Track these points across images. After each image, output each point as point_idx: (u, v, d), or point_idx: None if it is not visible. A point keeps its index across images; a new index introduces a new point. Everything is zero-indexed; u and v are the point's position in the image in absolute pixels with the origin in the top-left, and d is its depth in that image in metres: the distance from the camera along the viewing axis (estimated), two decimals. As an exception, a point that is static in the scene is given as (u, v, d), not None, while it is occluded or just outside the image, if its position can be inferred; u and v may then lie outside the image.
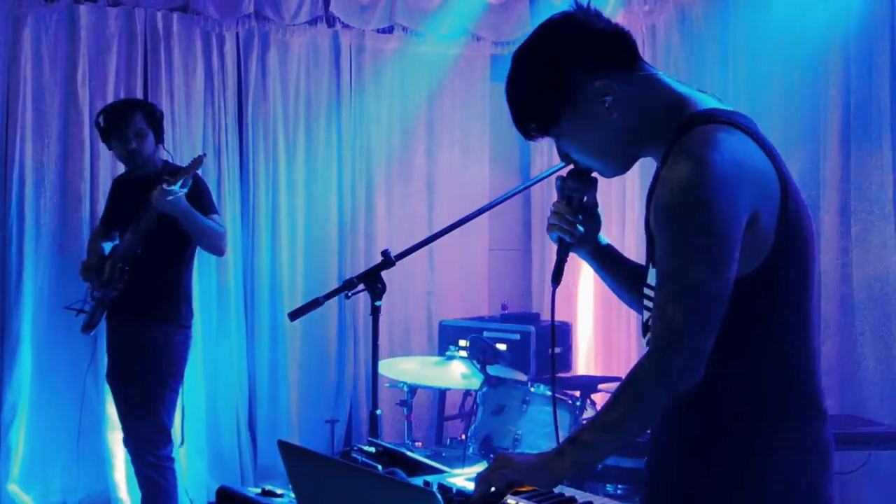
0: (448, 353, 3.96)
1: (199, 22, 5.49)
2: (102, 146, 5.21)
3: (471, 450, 3.44)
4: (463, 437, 3.56)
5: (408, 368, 3.92)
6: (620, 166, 1.90)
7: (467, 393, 4.97)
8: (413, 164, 6.17)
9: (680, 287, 1.65)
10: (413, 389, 4.13)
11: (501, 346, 4.90)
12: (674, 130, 1.76)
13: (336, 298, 3.14)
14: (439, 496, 1.38)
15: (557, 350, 5.03)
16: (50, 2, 5.11)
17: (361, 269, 5.87)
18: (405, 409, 4.16)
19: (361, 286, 2.67)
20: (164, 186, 3.75)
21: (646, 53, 5.48)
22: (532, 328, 4.95)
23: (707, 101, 1.83)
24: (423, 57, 6.10)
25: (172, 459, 4.10)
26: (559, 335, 5.14)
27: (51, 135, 5.17)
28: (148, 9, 5.36)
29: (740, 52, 4.93)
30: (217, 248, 4.04)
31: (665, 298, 1.65)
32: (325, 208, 5.88)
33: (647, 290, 1.84)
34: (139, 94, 5.29)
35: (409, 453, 2.18)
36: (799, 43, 4.51)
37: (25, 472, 5.08)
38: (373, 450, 2.26)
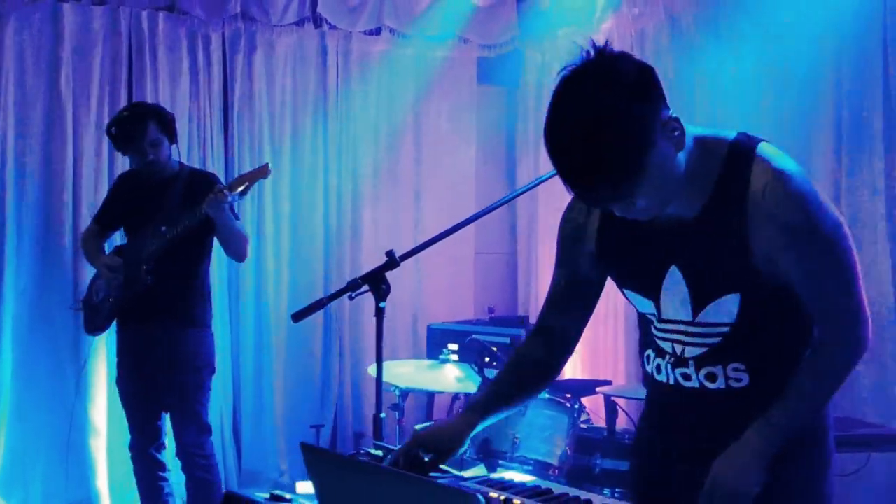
0: (441, 356, 3.92)
1: (184, 22, 5.43)
2: (85, 146, 5.16)
3: (468, 453, 3.40)
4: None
5: (402, 372, 3.88)
6: (685, 206, 1.84)
7: (456, 396, 4.94)
8: (400, 166, 6.14)
9: (838, 279, 1.83)
10: (405, 393, 4.09)
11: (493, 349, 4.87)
12: (720, 159, 1.81)
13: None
14: (481, 498, 1.35)
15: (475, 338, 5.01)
16: (33, 0, 5.03)
17: (347, 272, 5.92)
18: (397, 413, 4.12)
19: (365, 287, 2.63)
20: (226, 193, 3.70)
21: (634, 54, 5.49)
22: (522, 331, 4.93)
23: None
24: (411, 59, 6.07)
25: (215, 454, 4.12)
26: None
27: (34, 135, 5.09)
28: (133, 8, 5.29)
29: (731, 59, 4.93)
30: (242, 254, 4.02)
31: (828, 296, 1.83)
32: (311, 211, 5.83)
33: (662, 325, 1.94)
34: (123, 95, 5.23)
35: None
36: (791, 51, 4.52)
37: (6, 478, 4.98)
38: (380, 453, 2.22)
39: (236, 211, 4.02)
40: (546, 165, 5.92)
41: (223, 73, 5.56)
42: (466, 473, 2.18)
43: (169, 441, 4.14)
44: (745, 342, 1.88)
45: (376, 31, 5.94)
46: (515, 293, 6.37)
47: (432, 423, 2.08)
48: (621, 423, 3.73)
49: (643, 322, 2.04)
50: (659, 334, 1.97)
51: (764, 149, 1.80)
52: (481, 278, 6.38)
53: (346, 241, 5.91)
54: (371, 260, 5.89)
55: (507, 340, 4.87)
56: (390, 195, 6.09)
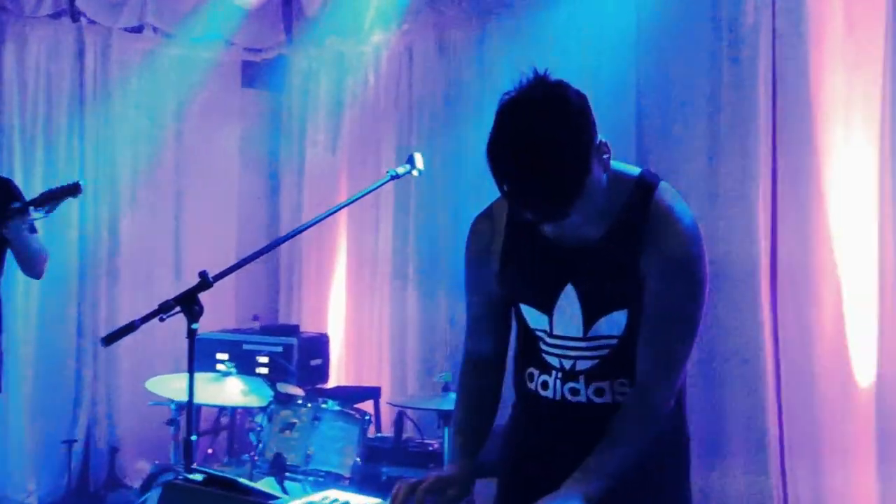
0: (223, 369, 3.87)
1: (-73, 7, 5.00)
2: None
3: (261, 469, 3.40)
4: (254, 455, 3.51)
5: (182, 386, 3.79)
6: (590, 229, 1.95)
7: (221, 409, 4.89)
8: (160, 168, 5.94)
9: (685, 326, 1.96)
10: (181, 407, 4.00)
11: (263, 359, 4.86)
12: (626, 189, 1.96)
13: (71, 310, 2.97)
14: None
15: (317, 362, 5.06)
16: None
17: (103, 273, 5.66)
18: (173, 429, 4.03)
19: (178, 308, 2.57)
20: (29, 213, 3.45)
21: (402, 73, 5.66)
22: (294, 340, 4.95)
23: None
24: (174, 60, 5.91)
25: None
26: (318, 346, 5.18)
27: None
28: None
29: (499, 77, 5.19)
30: (40, 272, 3.75)
31: (672, 338, 1.95)
32: (65, 214, 5.52)
33: (553, 340, 2.04)
34: None
35: (241, 480, 2.15)
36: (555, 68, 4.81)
37: None
38: (199, 477, 2.20)
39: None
40: (314, 172, 5.91)
41: (-31, 65, 5.16)
42: (312, 498, 2.16)
43: None
44: (630, 357, 1.98)
45: (138, 29, 5.73)
46: (278, 300, 6.35)
47: (434, 474, 2.06)
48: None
49: (528, 339, 2.11)
50: (548, 349, 2.06)
51: (664, 187, 1.98)
52: (243, 285, 6.31)
53: (103, 244, 5.66)
54: (130, 263, 5.69)
55: (280, 350, 4.88)
56: (150, 197, 5.89)
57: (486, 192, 5.12)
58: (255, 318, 5.57)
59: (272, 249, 2.98)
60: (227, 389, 3.79)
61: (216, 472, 2.21)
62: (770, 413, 3.91)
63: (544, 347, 2.07)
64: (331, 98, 6.11)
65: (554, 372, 2.06)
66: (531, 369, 2.12)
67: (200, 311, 2.58)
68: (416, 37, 5.62)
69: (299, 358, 4.84)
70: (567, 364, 2.04)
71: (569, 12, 4.87)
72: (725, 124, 4.14)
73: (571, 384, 2.05)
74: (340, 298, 5.96)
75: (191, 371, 2.57)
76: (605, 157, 1.87)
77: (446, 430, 3.59)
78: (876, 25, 3.73)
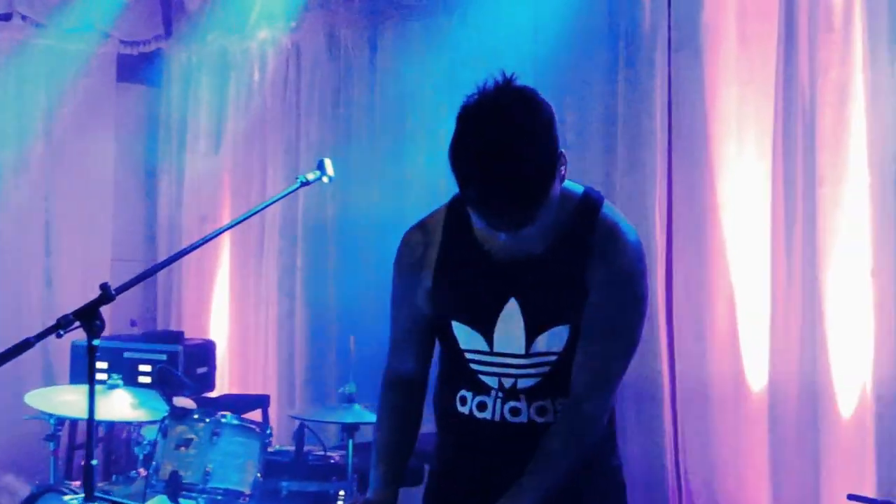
0: (110, 380, 3.67)
1: None
2: None
3: (155, 488, 3.23)
4: (147, 472, 3.33)
5: (67, 400, 3.58)
6: (534, 243, 1.91)
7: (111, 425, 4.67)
8: (30, 164, 5.61)
9: (626, 344, 1.96)
10: (61, 421, 3.80)
11: (146, 367, 4.65)
12: (571, 204, 1.95)
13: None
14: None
15: (203, 370, 4.88)
16: None
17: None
18: (52, 444, 3.81)
19: (77, 324, 2.40)
20: None
21: (290, 72, 5.52)
22: (179, 347, 4.75)
23: None
24: (46, 51, 5.58)
25: None
26: (204, 354, 4.99)
27: None
28: None
29: (390, 76, 5.13)
30: None
31: (609, 350, 1.93)
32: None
33: (492, 359, 1.98)
34: None
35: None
36: (449, 73, 4.79)
37: None
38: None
39: None
40: (195, 173, 5.69)
41: None
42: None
43: None
44: (570, 376, 1.95)
45: (6, 17, 5.40)
46: (156, 303, 6.10)
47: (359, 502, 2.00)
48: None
49: (457, 361, 2.04)
50: (485, 369, 1.99)
51: (609, 205, 1.98)
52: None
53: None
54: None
55: (164, 358, 4.68)
56: (17, 200, 5.55)
57: (375, 192, 5.08)
58: (133, 323, 5.33)
59: (180, 258, 2.80)
60: (115, 403, 3.59)
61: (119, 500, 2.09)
62: (666, 419, 3.98)
63: (480, 368, 2.01)
64: (213, 95, 5.90)
65: (493, 392, 2.00)
66: (463, 392, 2.05)
67: (102, 327, 2.42)
68: (304, 35, 5.48)
69: (185, 366, 4.64)
70: (508, 383, 1.99)
71: (464, 18, 4.85)
72: (622, 137, 4.19)
73: (512, 403, 2.00)
74: (223, 302, 5.77)
75: (91, 389, 2.41)
76: (563, 169, 1.85)
77: (350, 443, 3.50)
78: (768, 41, 3.84)
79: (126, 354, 4.69)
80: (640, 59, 4.15)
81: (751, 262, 3.87)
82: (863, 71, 3.55)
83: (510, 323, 1.95)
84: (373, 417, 3.62)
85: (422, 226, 2.07)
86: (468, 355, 2.01)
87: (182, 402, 3.91)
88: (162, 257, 6.07)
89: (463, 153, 1.77)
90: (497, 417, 2.00)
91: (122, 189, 6.02)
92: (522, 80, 4.78)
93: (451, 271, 2.00)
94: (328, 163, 2.88)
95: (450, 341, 2.04)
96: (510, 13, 4.57)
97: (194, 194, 5.93)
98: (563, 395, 1.96)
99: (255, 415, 4.71)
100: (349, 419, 3.52)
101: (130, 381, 4.16)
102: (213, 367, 4.94)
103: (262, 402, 4.74)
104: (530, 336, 1.95)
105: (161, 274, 6.04)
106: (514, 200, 1.76)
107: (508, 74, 1.80)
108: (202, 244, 2.75)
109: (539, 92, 1.82)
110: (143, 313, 5.92)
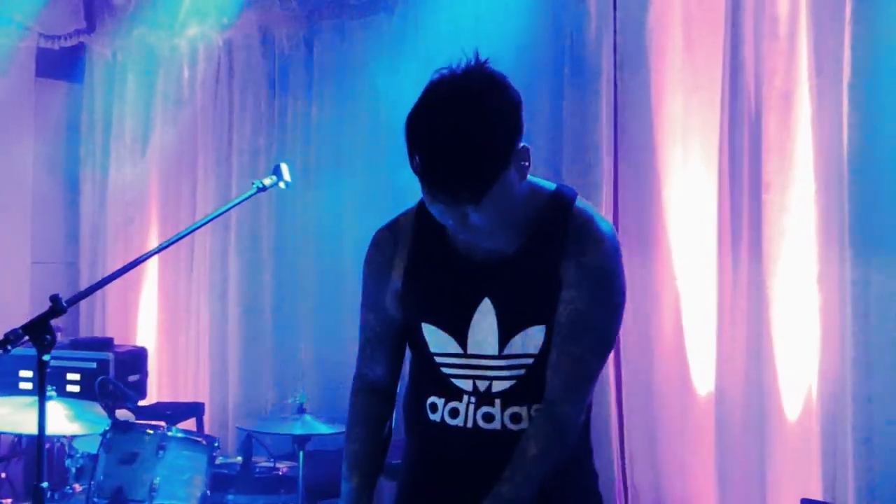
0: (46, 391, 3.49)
1: None
2: None
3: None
4: (77, 487, 3.19)
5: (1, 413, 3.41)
6: (506, 242, 1.89)
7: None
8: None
9: (600, 339, 1.90)
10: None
11: (74, 376, 4.47)
12: (542, 202, 1.92)
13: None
14: None
15: (135, 378, 4.71)
16: None
17: None
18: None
19: (26, 338, 2.27)
20: None
21: (222, 70, 5.38)
22: (110, 355, 4.57)
23: None
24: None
25: None
26: (136, 361, 4.83)
27: None
28: None
29: (327, 76, 5.04)
30: None
31: (584, 349, 1.88)
32: None
33: (466, 361, 1.93)
34: None
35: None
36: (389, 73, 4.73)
37: None
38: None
39: None
40: (120, 174, 5.52)
41: None
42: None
43: None
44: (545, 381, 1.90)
45: (-81, 8, 5.15)
46: (78, 308, 5.87)
47: None
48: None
49: (427, 365, 1.98)
50: (458, 372, 1.93)
51: (581, 201, 1.94)
52: (39, 292, 5.79)
53: None
54: None
55: (94, 365, 4.50)
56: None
57: (312, 194, 4.96)
58: (58, 328, 5.10)
59: (140, 264, 2.68)
60: (49, 416, 3.41)
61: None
62: (612, 425, 3.98)
63: (452, 371, 1.95)
64: (139, 93, 5.72)
65: (466, 396, 1.94)
66: (433, 398, 1.98)
67: (53, 341, 2.30)
68: (237, 33, 5.35)
69: (116, 374, 4.47)
70: (482, 385, 1.93)
71: (404, 17, 4.79)
72: (567, 143, 4.18)
73: (486, 409, 1.93)
74: (151, 307, 5.59)
75: (41, 406, 2.27)
76: (524, 164, 1.82)
77: (301, 455, 3.41)
78: (714, 48, 3.86)
79: (53, 363, 4.46)
80: (585, 63, 4.15)
81: (697, 268, 3.90)
82: (808, 79, 3.59)
83: (484, 324, 1.91)
84: (324, 428, 3.60)
85: (391, 226, 2.03)
86: (439, 359, 1.96)
87: (122, 414, 3.76)
88: (85, 260, 5.88)
89: (414, 121, 1.76)
90: (469, 424, 1.94)
91: (41, 189, 5.80)
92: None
93: (421, 272, 1.96)
94: (285, 168, 2.80)
95: (419, 346, 1.99)
96: (451, 14, 4.52)
97: (120, 196, 5.74)
98: (539, 402, 1.91)
99: (190, 423, 4.57)
100: (299, 430, 3.43)
101: (58, 391, 3.99)
102: (145, 375, 4.78)
103: (196, 410, 4.61)
104: (504, 337, 1.90)
105: (83, 278, 5.85)
106: (457, 174, 1.72)
107: (483, 58, 1.78)
108: (165, 247, 2.64)
109: (510, 81, 1.79)
110: (66, 319, 5.68)
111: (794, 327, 3.60)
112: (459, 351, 1.93)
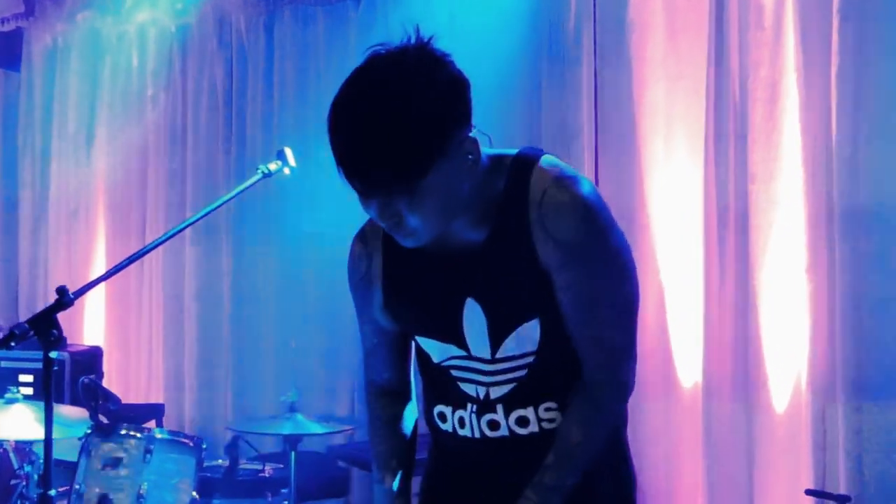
0: (8, 393, 3.28)
1: None
2: None
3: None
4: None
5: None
6: (473, 230, 1.71)
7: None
8: None
9: (615, 308, 1.70)
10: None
11: (27, 377, 4.23)
12: (503, 175, 1.70)
13: None
14: None
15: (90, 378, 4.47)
16: None
17: None
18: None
19: (32, 333, 2.09)
20: None
21: (175, 57, 5.17)
22: (65, 355, 4.34)
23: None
24: None
25: None
26: (92, 361, 4.60)
27: None
28: None
29: (288, 64, 4.88)
30: None
31: (603, 327, 1.69)
32: None
33: (459, 363, 1.78)
34: None
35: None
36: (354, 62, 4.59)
37: None
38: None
39: None
40: (63, 167, 5.29)
41: None
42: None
43: None
44: (553, 375, 1.74)
45: None
46: (16, 303, 5.60)
47: None
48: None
49: (434, 374, 1.85)
50: (465, 375, 1.78)
51: (546, 159, 1.71)
52: (-23, 290, 5.52)
53: None
54: None
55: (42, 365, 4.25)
56: None
57: (272, 186, 4.81)
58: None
59: (143, 255, 2.51)
60: (18, 419, 3.20)
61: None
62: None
63: (460, 374, 1.80)
64: (83, 82, 5.48)
65: (469, 405, 1.80)
66: (440, 407, 1.87)
67: (60, 336, 2.12)
68: (190, 18, 5.15)
69: (71, 374, 4.24)
70: (481, 392, 1.79)
71: (371, 5, 4.67)
72: (545, 135, 4.11)
73: (489, 416, 1.79)
74: (99, 304, 5.34)
75: (48, 409, 2.10)
76: (469, 157, 1.61)
77: (293, 455, 3.26)
78: (697, 38, 3.83)
79: (3, 364, 4.25)
80: (565, 54, 4.08)
81: (681, 260, 3.86)
82: (795, 69, 3.58)
83: (475, 325, 1.75)
84: (316, 427, 3.47)
85: (361, 235, 1.88)
86: (446, 363, 1.81)
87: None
88: (25, 254, 5.61)
89: (335, 101, 1.59)
90: (477, 434, 1.81)
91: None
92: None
93: (399, 285, 1.81)
94: (289, 152, 2.66)
95: (423, 356, 1.87)
96: (424, 1, 4.41)
97: (63, 189, 5.48)
98: (547, 400, 1.76)
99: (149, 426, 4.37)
100: (287, 430, 3.28)
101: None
102: (100, 376, 4.55)
103: (156, 411, 4.40)
104: (495, 340, 1.73)
105: (23, 273, 5.60)
106: (375, 159, 1.53)
107: (427, 37, 1.60)
108: (165, 240, 2.46)
109: (453, 61, 1.61)
110: (8, 318, 5.42)
111: (782, 318, 3.59)
112: (463, 353, 1.78)
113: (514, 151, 1.74)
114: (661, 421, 3.87)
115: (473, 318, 1.74)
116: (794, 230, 3.59)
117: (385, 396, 1.97)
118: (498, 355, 1.74)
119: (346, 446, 4.01)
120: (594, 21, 4.04)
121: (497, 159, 1.71)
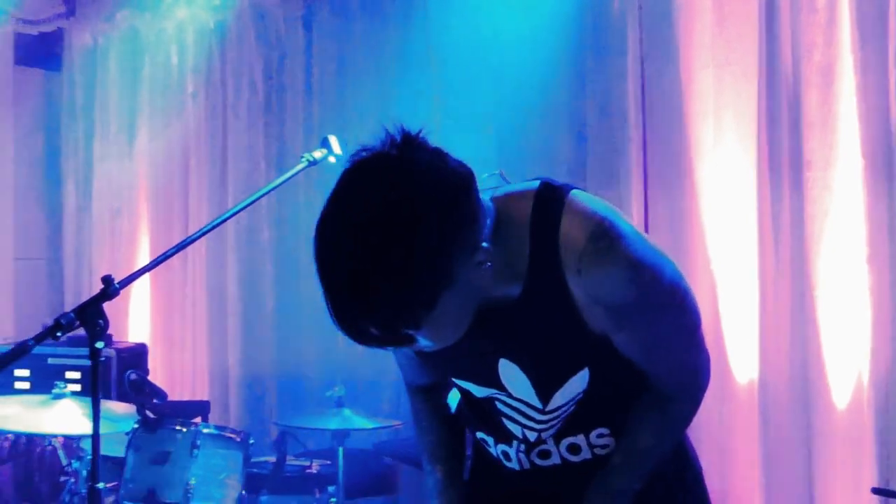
0: (56, 389, 3.26)
1: None
2: None
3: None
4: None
5: (10, 414, 3.16)
6: (505, 288, 1.56)
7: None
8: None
9: (682, 337, 1.67)
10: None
11: (74, 374, 4.22)
12: (527, 221, 1.53)
13: None
14: None
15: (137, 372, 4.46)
16: None
17: None
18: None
19: (77, 324, 2.06)
20: None
21: (214, 54, 5.15)
22: (111, 352, 4.33)
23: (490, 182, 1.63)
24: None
25: None
26: (137, 358, 4.59)
27: None
28: None
29: (327, 59, 4.84)
30: None
31: (671, 359, 1.66)
32: None
33: (514, 403, 1.70)
34: None
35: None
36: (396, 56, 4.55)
37: None
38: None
39: None
40: (105, 165, 5.28)
41: None
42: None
43: None
44: (603, 404, 1.69)
45: None
46: (63, 305, 5.60)
47: None
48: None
49: (475, 405, 1.77)
50: (508, 412, 1.72)
51: (571, 203, 1.52)
52: (23, 288, 5.52)
53: None
54: None
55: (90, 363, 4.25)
56: None
57: (312, 182, 4.78)
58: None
59: (188, 245, 2.46)
60: (63, 414, 3.18)
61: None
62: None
63: (503, 409, 1.72)
64: (124, 80, 5.46)
65: (515, 442, 1.74)
66: (482, 434, 1.81)
67: (106, 326, 2.08)
68: (228, 13, 5.12)
69: (118, 371, 4.23)
70: (532, 436, 1.73)
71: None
72: (593, 124, 4.04)
73: (540, 447, 1.74)
74: (144, 301, 5.33)
75: (95, 400, 2.06)
76: (480, 266, 1.45)
77: (340, 451, 3.21)
78: (747, 22, 3.73)
79: (50, 360, 4.25)
80: (610, 40, 4.01)
81: (734, 251, 3.75)
82: (851, 52, 3.47)
83: (517, 381, 1.66)
84: (364, 423, 3.42)
85: None
86: (490, 396, 1.72)
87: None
88: (69, 254, 5.62)
89: (316, 242, 1.42)
90: (526, 466, 1.77)
91: (23, 178, 5.52)
92: (483, 63, 4.58)
93: None
94: (334, 140, 2.59)
95: (462, 391, 1.80)
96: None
97: (106, 187, 5.48)
98: (598, 426, 1.71)
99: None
100: (334, 426, 3.23)
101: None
102: (146, 372, 4.54)
103: (202, 408, 4.36)
104: (544, 394, 1.66)
105: (69, 272, 5.61)
106: (369, 320, 1.41)
107: (412, 133, 1.43)
108: (209, 230, 2.42)
109: (447, 158, 1.43)
110: (52, 313, 5.43)
111: (841, 310, 3.47)
112: (507, 392, 1.69)
113: (533, 187, 1.56)
114: (715, 419, 3.76)
115: (512, 374, 1.67)
116: (852, 219, 3.47)
117: (428, 392, 1.93)
118: (549, 407, 1.69)
119: (393, 443, 3.95)
120: (639, 5, 3.96)
121: (515, 205, 1.54)
